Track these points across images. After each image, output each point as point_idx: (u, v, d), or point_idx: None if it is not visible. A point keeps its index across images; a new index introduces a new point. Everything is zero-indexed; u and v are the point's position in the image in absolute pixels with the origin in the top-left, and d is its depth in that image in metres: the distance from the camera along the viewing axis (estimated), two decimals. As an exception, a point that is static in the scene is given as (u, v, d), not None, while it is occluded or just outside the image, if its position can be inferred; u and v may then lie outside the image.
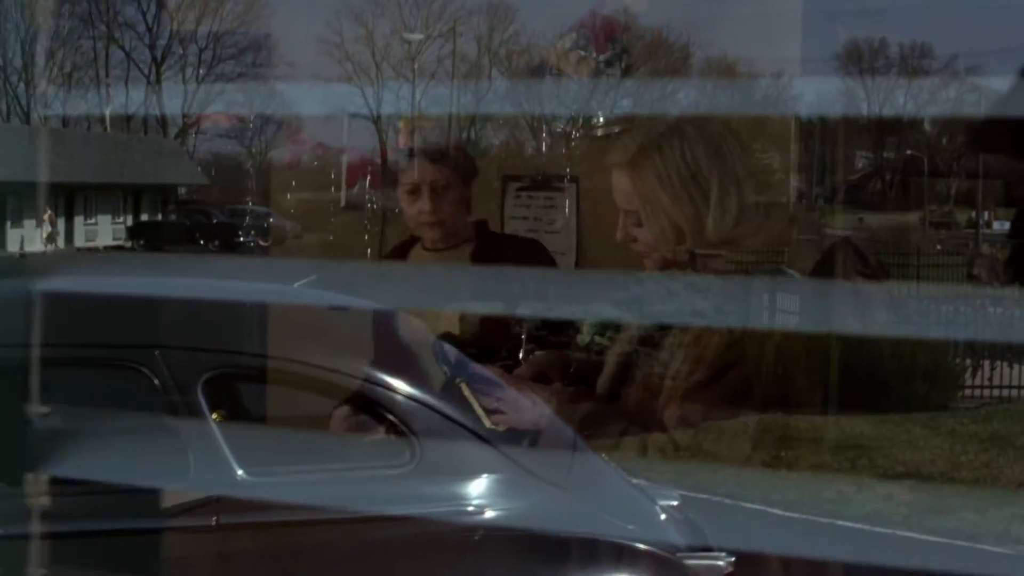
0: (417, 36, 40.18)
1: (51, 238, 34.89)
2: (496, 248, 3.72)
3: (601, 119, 3.47)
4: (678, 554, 3.28)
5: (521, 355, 2.82)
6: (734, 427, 2.69)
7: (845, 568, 3.08)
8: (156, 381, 3.12)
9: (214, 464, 3.10)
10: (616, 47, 3.43)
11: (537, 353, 2.92)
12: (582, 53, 3.38)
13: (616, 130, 3.45)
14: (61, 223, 36.95)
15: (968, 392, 11.87)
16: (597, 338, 2.83)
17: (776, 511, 7.39)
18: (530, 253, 3.75)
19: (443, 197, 3.68)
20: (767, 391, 2.58)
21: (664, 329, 2.59)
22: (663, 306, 2.69)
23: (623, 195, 2.65)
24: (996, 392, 12.00)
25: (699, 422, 2.60)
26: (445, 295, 3.59)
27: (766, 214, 2.66)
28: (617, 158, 2.64)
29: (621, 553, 3.24)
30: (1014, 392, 12.06)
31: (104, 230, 39.02)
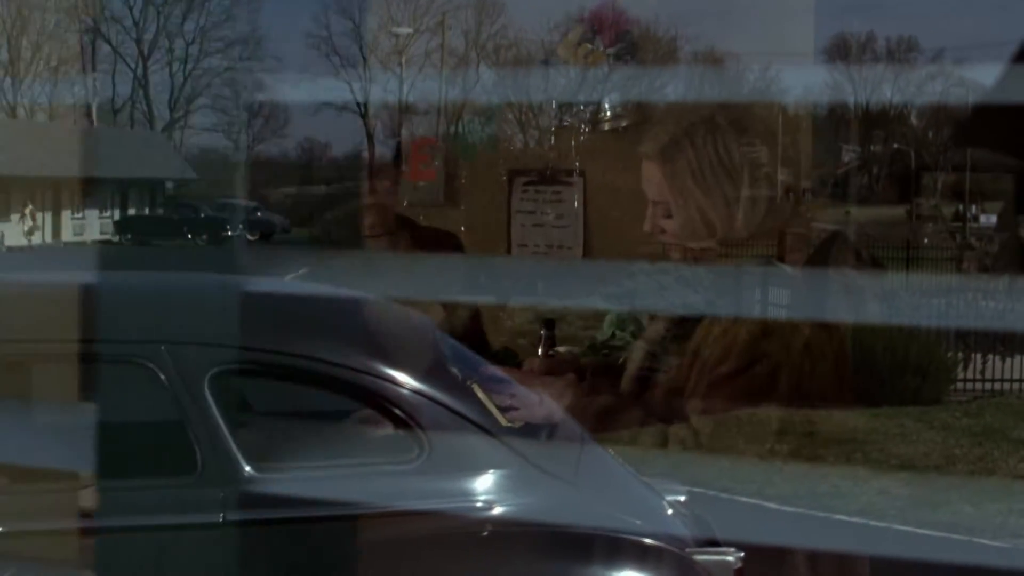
0: (406, 30, 40.19)
1: (31, 232, 34.85)
2: (415, 239, 3.74)
3: (608, 112, 3.45)
4: (687, 550, 3.27)
5: (540, 351, 2.80)
6: (727, 421, 2.67)
7: (863, 564, 3.07)
8: (162, 376, 3.09)
9: (221, 461, 3.07)
10: (625, 40, 3.42)
11: (559, 349, 2.90)
12: (590, 46, 3.37)
13: (623, 124, 3.44)
14: (48, 218, 36.88)
15: (960, 386, 11.88)
16: (618, 332, 2.81)
17: (771, 505, 7.42)
18: (447, 246, 3.80)
19: (380, 183, 3.70)
20: (778, 385, 2.57)
21: (685, 322, 2.58)
22: (673, 299, 2.68)
23: (653, 186, 2.62)
24: (988, 386, 12.00)
25: (711, 415, 2.58)
26: (432, 287, 3.58)
27: (792, 208, 2.66)
28: (648, 148, 2.61)
29: (630, 549, 3.22)
30: (1006, 385, 12.07)
31: (91, 224, 38.95)
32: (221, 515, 3.03)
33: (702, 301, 2.61)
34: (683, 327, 2.56)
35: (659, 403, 2.51)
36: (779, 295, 2.66)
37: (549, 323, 2.87)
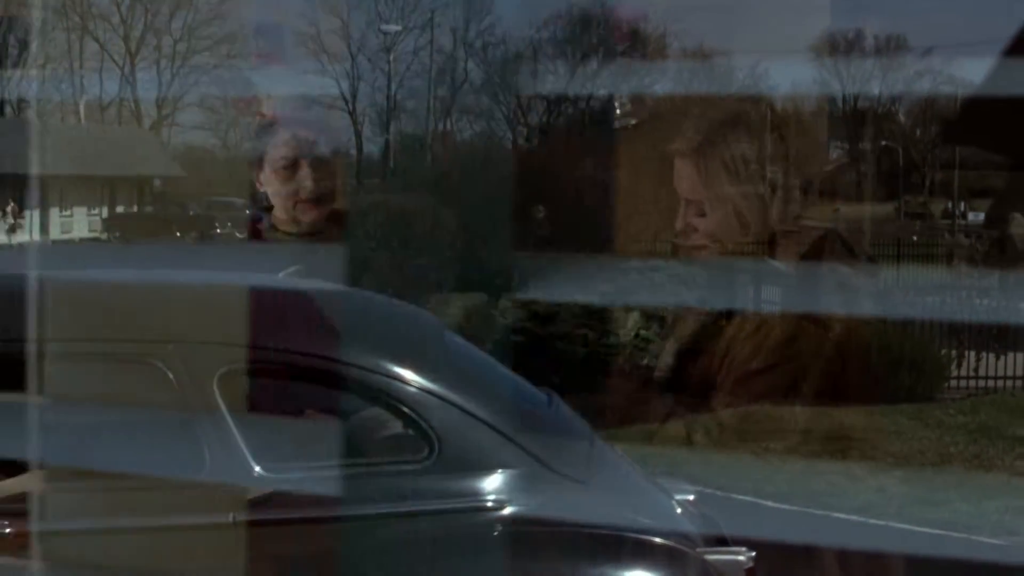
0: (395, 27, 40.18)
1: (13, 230, 34.73)
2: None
3: (618, 111, 3.42)
4: (697, 549, 3.26)
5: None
6: (724, 418, 2.66)
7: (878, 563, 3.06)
8: (171, 375, 3.07)
9: (230, 460, 3.05)
10: (634, 38, 3.40)
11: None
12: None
13: (632, 122, 3.41)
14: (36, 215, 36.73)
15: (954, 383, 11.90)
16: (642, 331, 2.80)
17: (769, 503, 7.40)
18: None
19: (323, 173, 3.55)
20: (795, 384, 2.56)
21: (706, 321, 2.57)
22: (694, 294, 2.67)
23: (687, 184, 2.59)
24: (982, 383, 12.03)
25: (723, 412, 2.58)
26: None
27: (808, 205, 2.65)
28: (682, 146, 2.58)
29: (640, 548, 3.21)
30: (999, 383, 12.09)
31: (80, 222, 38.81)
32: (231, 516, 3.02)
33: (708, 298, 2.61)
34: (707, 325, 2.55)
35: (681, 400, 2.50)
36: (780, 293, 2.65)
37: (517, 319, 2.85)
